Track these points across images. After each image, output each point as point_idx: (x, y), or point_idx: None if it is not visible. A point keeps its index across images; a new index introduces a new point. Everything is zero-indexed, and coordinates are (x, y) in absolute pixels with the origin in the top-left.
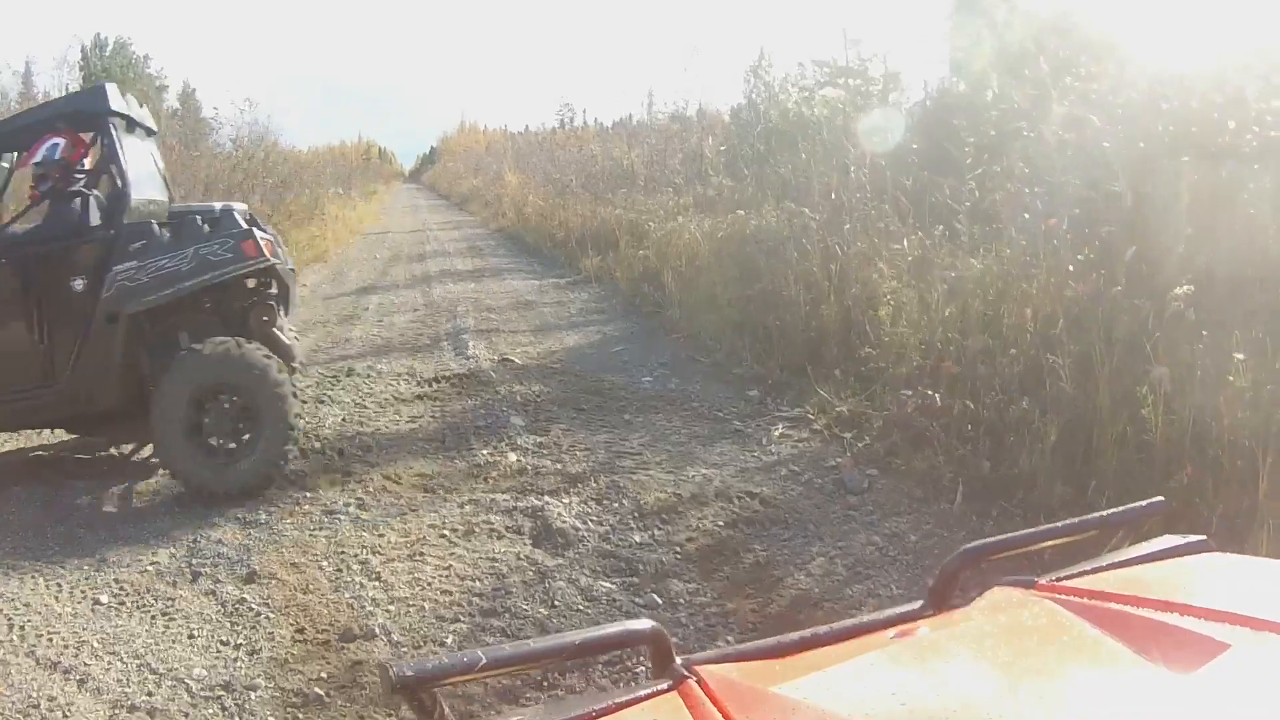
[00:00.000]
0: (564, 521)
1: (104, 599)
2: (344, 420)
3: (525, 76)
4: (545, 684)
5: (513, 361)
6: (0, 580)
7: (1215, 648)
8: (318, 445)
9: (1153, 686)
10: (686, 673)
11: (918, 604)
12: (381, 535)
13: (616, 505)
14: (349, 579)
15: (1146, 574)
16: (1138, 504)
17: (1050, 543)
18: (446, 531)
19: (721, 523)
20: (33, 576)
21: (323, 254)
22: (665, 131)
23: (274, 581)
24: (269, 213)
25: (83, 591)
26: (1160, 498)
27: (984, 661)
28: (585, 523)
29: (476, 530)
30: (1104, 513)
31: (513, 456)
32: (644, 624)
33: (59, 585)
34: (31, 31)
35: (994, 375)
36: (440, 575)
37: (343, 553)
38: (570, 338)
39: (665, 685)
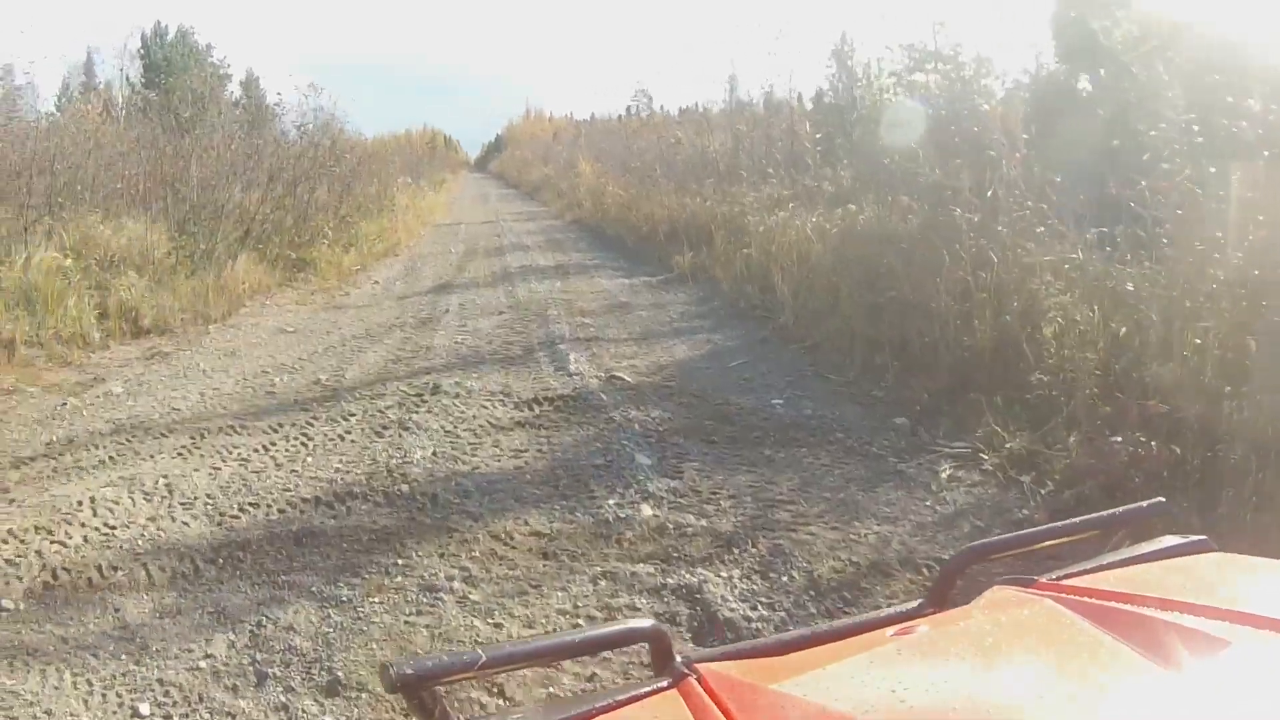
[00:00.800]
0: (729, 607)
1: (144, 709)
2: (434, 455)
3: (592, 62)
4: None
5: (622, 380)
6: (11, 670)
7: (1216, 646)
8: (405, 489)
9: (1153, 685)
10: (687, 671)
11: (917, 603)
12: (499, 625)
13: (786, 579)
14: (466, 696)
15: (1147, 573)
16: (1138, 504)
17: (1050, 543)
18: (582, 621)
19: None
20: (57, 666)
21: (394, 247)
22: (751, 118)
23: (363, 698)
24: (336, 204)
25: (118, 695)
26: (1161, 498)
27: (984, 660)
28: (755, 606)
29: (621, 620)
30: (1104, 512)
31: (647, 510)
32: (644, 622)
33: (89, 683)
34: (92, 20)
35: (1217, 419)
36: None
37: None
38: (678, 348)
39: (666, 683)
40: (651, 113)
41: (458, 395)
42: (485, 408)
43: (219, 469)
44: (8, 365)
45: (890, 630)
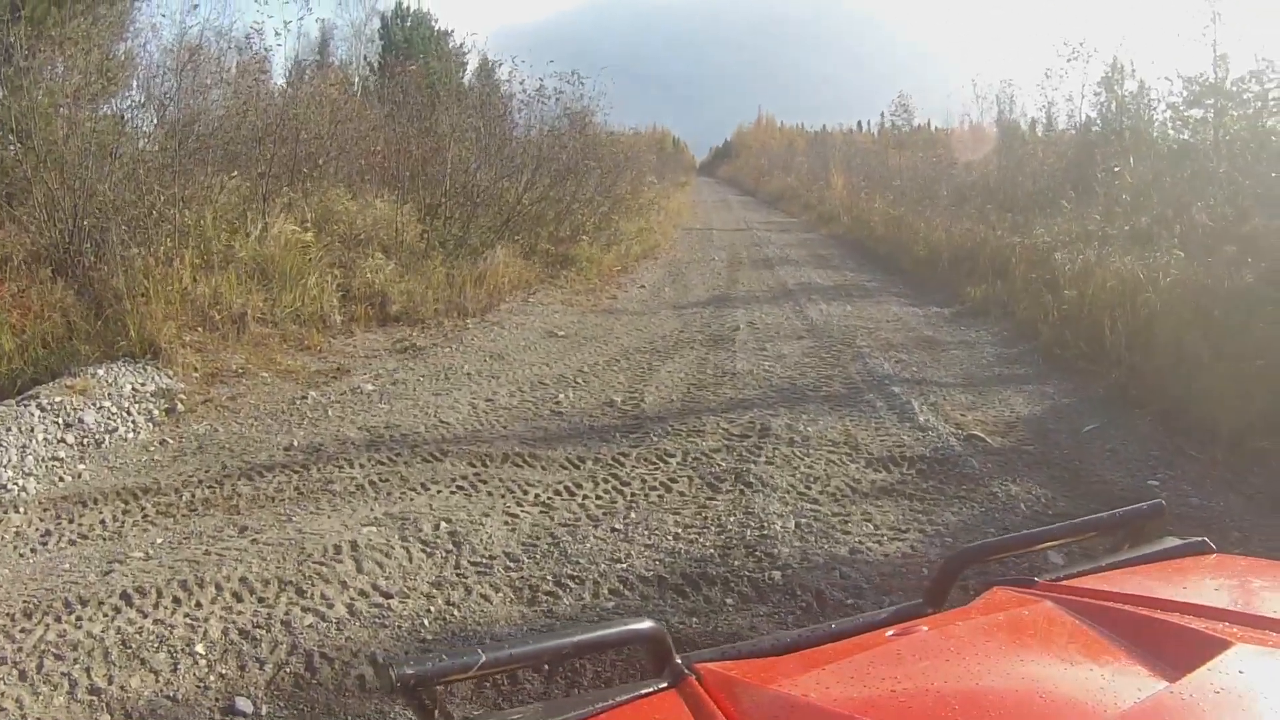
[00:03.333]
0: None
1: None
2: (798, 528)
3: (824, 73)
4: None
5: (982, 440)
6: None
7: (1216, 646)
8: (778, 578)
9: (1153, 686)
10: (687, 671)
11: (917, 603)
12: None
13: None
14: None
15: (1146, 574)
16: (1137, 505)
17: (1049, 544)
18: None
19: None
20: None
21: (652, 249)
22: (1025, 142)
23: None
24: (598, 200)
25: None
26: (1159, 500)
27: (983, 661)
28: None
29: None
30: (1103, 514)
31: None
32: (644, 623)
33: None
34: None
35: None
36: None
37: None
38: (1015, 400)
39: (665, 684)
40: (913, 128)
41: (793, 442)
42: (834, 463)
43: (516, 517)
44: (236, 342)
45: (889, 631)
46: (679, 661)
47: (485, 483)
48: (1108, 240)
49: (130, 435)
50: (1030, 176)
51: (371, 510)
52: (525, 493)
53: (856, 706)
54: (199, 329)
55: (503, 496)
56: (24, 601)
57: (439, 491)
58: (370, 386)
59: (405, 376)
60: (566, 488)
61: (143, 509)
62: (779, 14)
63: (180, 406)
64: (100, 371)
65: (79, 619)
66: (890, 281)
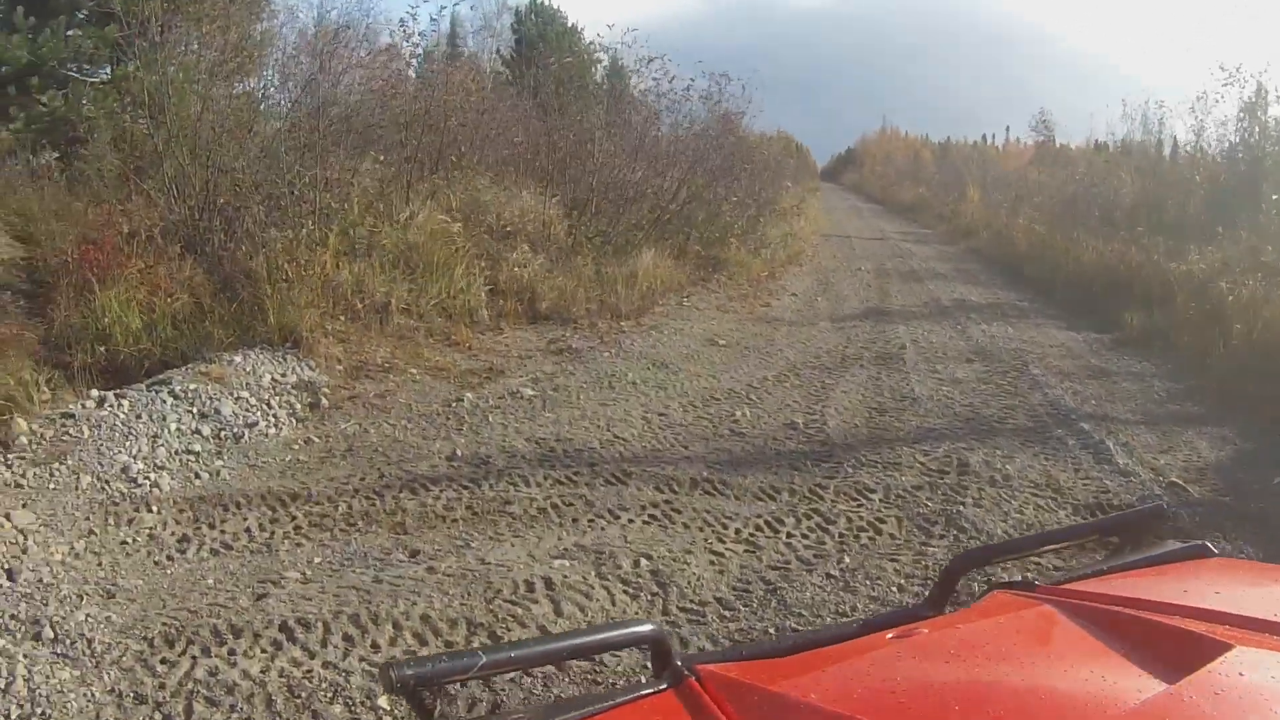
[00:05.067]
0: None
1: None
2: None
3: (946, 83)
4: None
5: (1182, 489)
6: None
7: (1215, 649)
8: None
9: (1153, 688)
10: (687, 672)
11: (918, 606)
12: None
13: None
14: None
15: (1145, 578)
16: (1136, 509)
17: (1050, 547)
18: None
19: None
20: None
21: (797, 255)
22: (1184, 164)
23: None
24: (749, 203)
25: None
26: (1160, 504)
27: (983, 663)
28: None
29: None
30: (1103, 518)
31: None
32: (644, 625)
33: None
34: None
35: None
36: None
37: None
38: (1200, 444)
39: (666, 685)
40: (1055, 144)
41: (994, 482)
42: (1042, 508)
43: (721, 555)
44: (380, 334)
45: (890, 633)
46: (679, 663)
47: (679, 512)
48: (1277, 272)
49: (271, 431)
50: (1181, 200)
51: (559, 540)
52: (724, 526)
53: (857, 708)
54: (341, 318)
55: (701, 530)
56: (164, 625)
57: (630, 521)
58: (530, 391)
59: (566, 382)
60: (767, 523)
61: (293, 518)
62: (901, 22)
63: (324, 402)
64: (237, 359)
65: (232, 654)
66: (1041, 302)
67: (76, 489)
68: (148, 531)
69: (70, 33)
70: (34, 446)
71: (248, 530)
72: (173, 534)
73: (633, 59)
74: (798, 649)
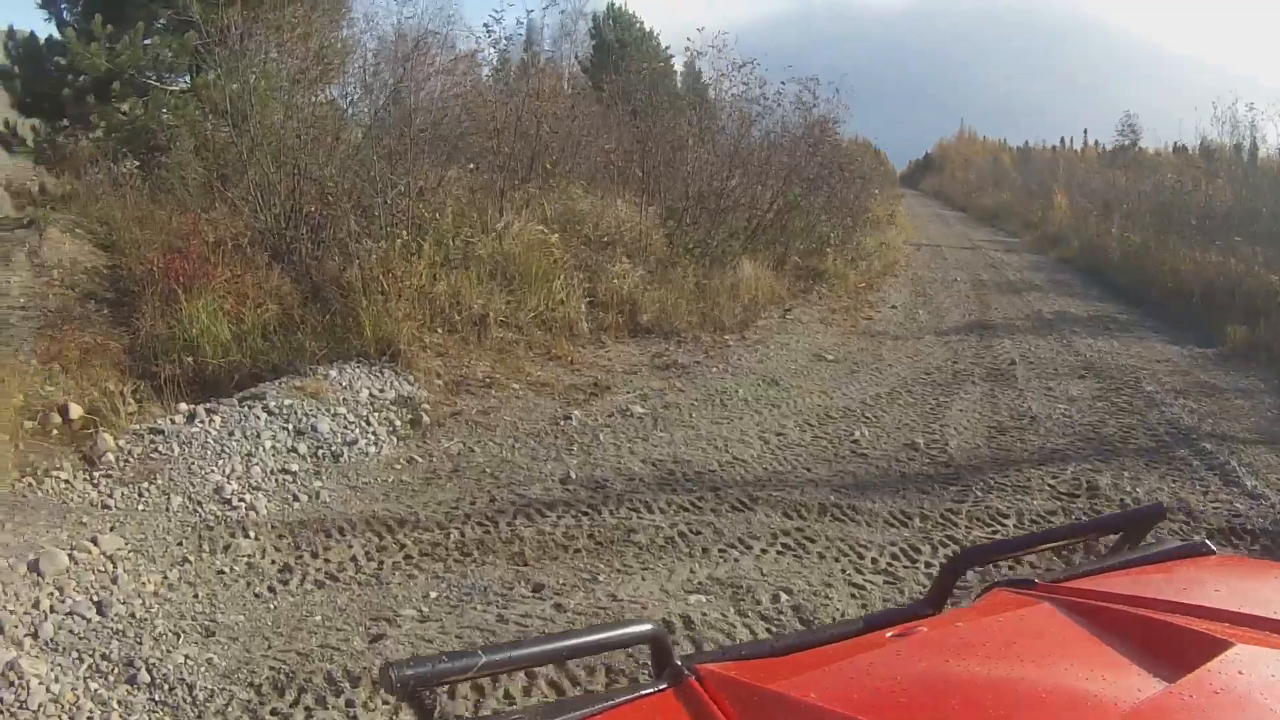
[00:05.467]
0: None
1: None
2: None
3: (1022, 85)
4: None
5: None
6: None
7: (1216, 647)
8: None
9: (1153, 686)
10: (687, 672)
11: (918, 604)
12: None
13: None
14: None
15: (1146, 576)
16: (1136, 508)
17: (1050, 545)
18: None
19: None
20: None
21: (892, 266)
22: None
23: None
24: (844, 212)
25: None
26: (1160, 503)
27: (983, 661)
28: None
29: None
30: (1103, 516)
31: None
32: (644, 625)
33: None
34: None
35: None
36: None
37: None
38: None
39: (666, 684)
40: (1140, 148)
41: (1124, 505)
42: (1175, 532)
43: (862, 588)
44: (478, 347)
45: (890, 632)
46: (679, 662)
47: (812, 541)
48: None
49: (371, 449)
50: (1275, 209)
51: (692, 572)
52: (860, 556)
53: (856, 707)
54: (438, 331)
55: (837, 560)
56: (272, 669)
57: (763, 550)
58: (640, 409)
59: (676, 399)
60: (903, 551)
61: (402, 546)
62: (981, 25)
63: (426, 418)
64: (333, 373)
65: (351, 705)
66: (1140, 314)
67: (167, 511)
68: (246, 560)
69: (148, 41)
70: (121, 464)
71: (354, 559)
72: (273, 563)
73: (723, 63)
74: (797, 648)
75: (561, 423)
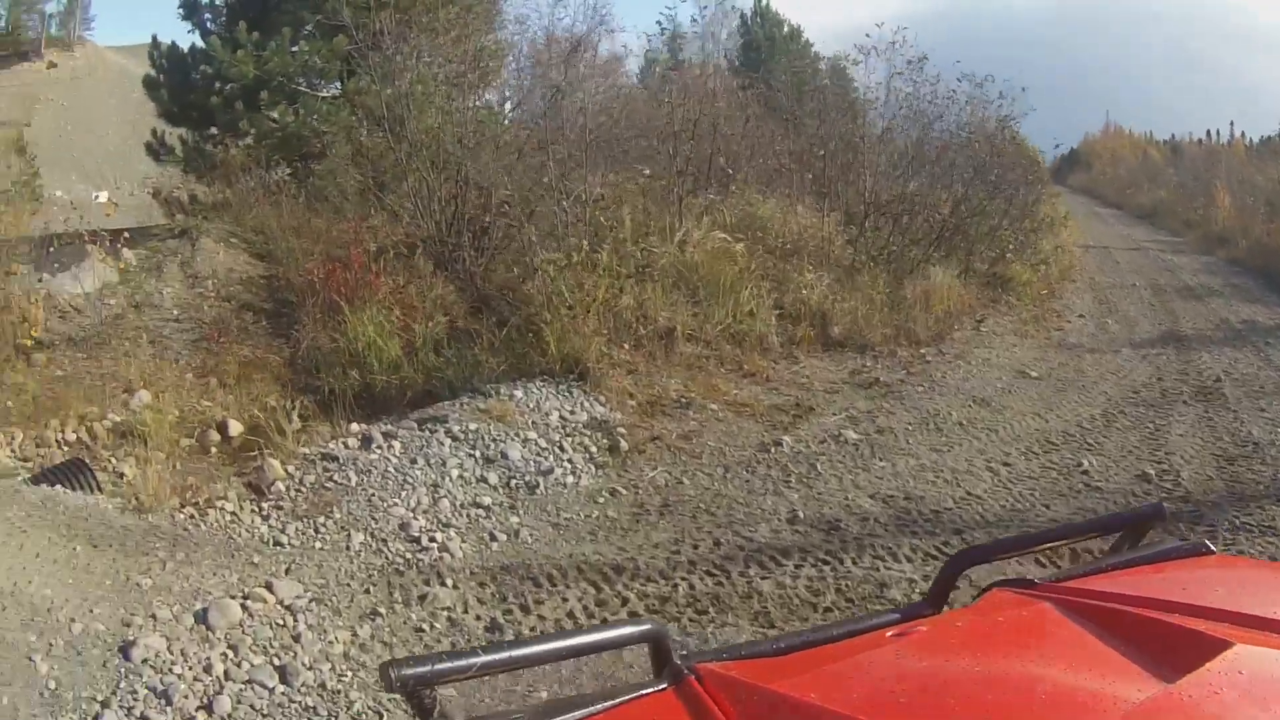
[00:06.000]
0: None
1: None
2: None
3: (1165, 76)
4: None
5: None
6: None
7: (1215, 647)
8: None
9: (1153, 686)
10: (687, 671)
11: (918, 604)
12: None
13: None
14: None
15: (1145, 576)
16: (1136, 508)
17: (1049, 545)
18: None
19: None
20: None
21: (1068, 270)
22: None
23: None
24: (1023, 215)
25: None
26: (1160, 503)
27: (983, 661)
28: None
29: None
30: (1103, 516)
31: None
32: (644, 624)
33: None
34: None
35: None
36: None
37: None
38: None
39: (666, 684)
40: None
41: None
42: None
43: None
44: (666, 362)
45: (890, 631)
46: (679, 662)
47: None
48: None
49: (569, 480)
50: None
51: None
52: None
53: (856, 706)
54: (625, 346)
55: None
56: None
57: None
58: (853, 434)
59: (888, 422)
60: None
61: (623, 599)
62: (1119, 18)
63: (624, 444)
64: (518, 393)
65: None
66: None
67: (348, 550)
68: (446, 614)
69: (295, 48)
70: (293, 494)
71: (570, 615)
72: (478, 618)
73: (898, 60)
74: (797, 648)
75: (772, 449)
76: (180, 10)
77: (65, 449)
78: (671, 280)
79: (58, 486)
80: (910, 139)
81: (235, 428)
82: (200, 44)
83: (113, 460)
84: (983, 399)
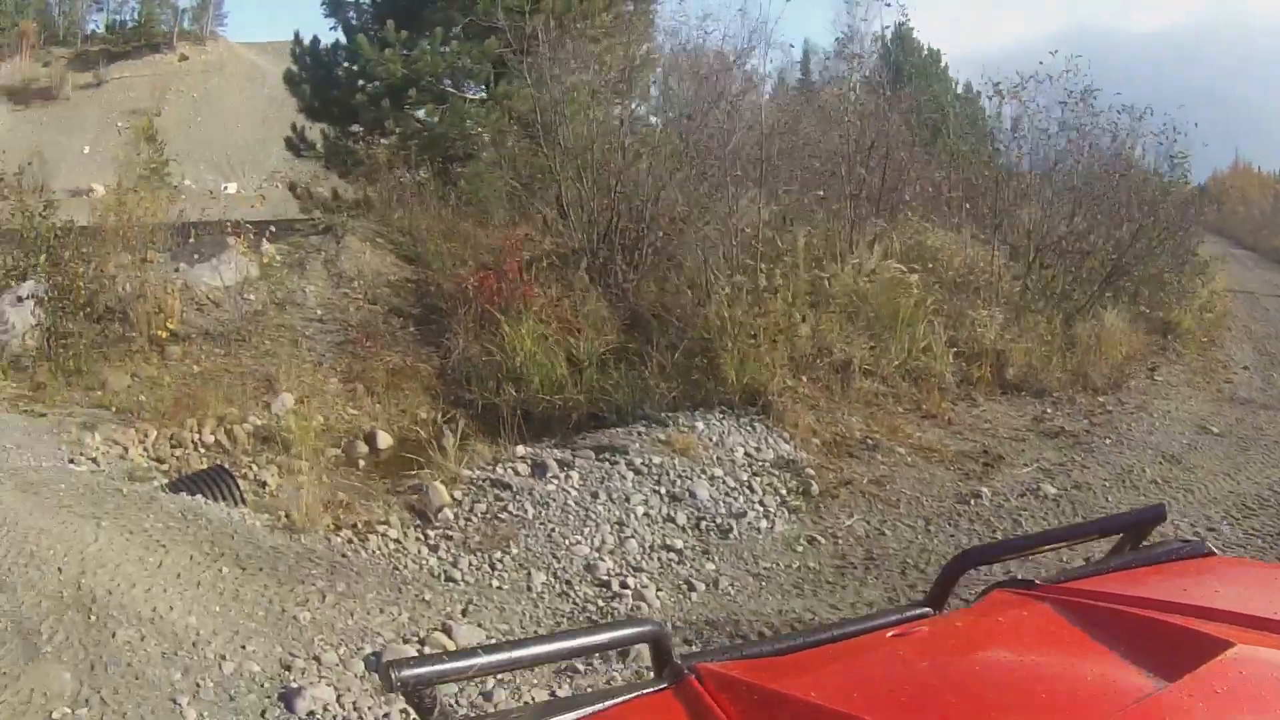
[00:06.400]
0: None
1: None
2: None
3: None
4: None
5: None
6: None
7: (1215, 647)
8: None
9: (1153, 686)
10: (687, 671)
11: (918, 605)
12: None
13: None
14: None
15: (1145, 576)
16: (1137, 509)
17: (1050, 546)
18: None
19: None
20: None
21: (1221, 317)
22: None
23: None
24: (1184, 256)
25: None
26: (1160, 504)
27: (983, 661)
28: None
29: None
30: (1103, 517)
31: None
32: (644, 624)
33: None
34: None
35: None
36: None
37: None
38: None
39: (666, 684)
40: None
41: None
42: None
43: None
44: (843, 397)
45: (890, 632)
46: (679, 661)
47: None
48: None
49: (763, 524)
50: None
51: None
52: None
53: (857, 706)
54: (802, 379)
55: None
56: None
57: None
58: (1051, 489)
59: (1082, 477)
60: None
61: None
62: (1241, 48)
63: (815, 487)
64: (698, 424)
65: None
66: None
67: (529, 591)
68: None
69: (445, 49)
70: (463, 523)
71: None
72: None
73: (1060, 91)
74: (798, 648)
75: (971, 501)
76: (324, 7)
77: (203, 452)
78: (845, 311)
79: (198, 496)
80: (1077, 171)
81: (384, 440)
82: (343, 41)
83: (254, 467)
84: (1172, 455)
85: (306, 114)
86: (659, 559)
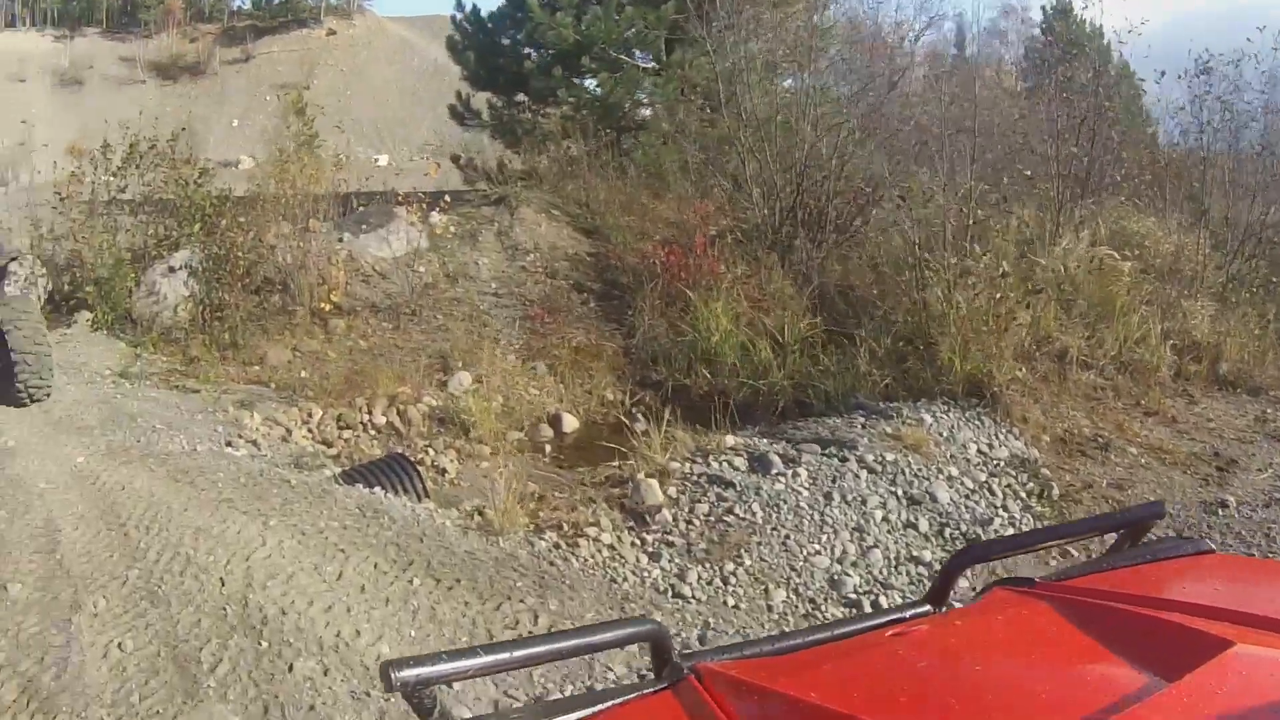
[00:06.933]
0: None
1: None
2: None
3: None
4: None
5: None
6: None
7: (1215, 646)
8: None
9: (1153, 686)
10: (687, 671)
11: (918, 603)
12: None
13: None
14: None
15: (1145, 574)
16: (1136, 506)
17: (1052, 544)
18: None
19: None
20: None
21: None
22: None
23: None
24: None
25: None
26: (1160, 501)
27: (983, 660)
28: None
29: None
30: (1103, 515)
31: None
32: (644, 623)
33: None
34: None
35: None
36: None
37: None
38: None
39: (666, 683)
40: None
41: None
42: None
43: None
44: (1061, 390)
45: (890, 631)
46: (679, 661)
47: None
48: None
49: (1010, 532)
50: None
51: None
52: None
53: (857, 705)
54: (1022, 370)
55: None
56: None
57: None
58: None
59: None
60: None
61: None
62: None
63: (1055, 490)
64: (926, 417)
65: None
66: None
67: (769, 611)
68: None
69: (618, 17)
70: (683, 525)
71: None
72: None
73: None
74: (797, 647)
75: (1219, 511)
76: None
77: (373, 434)
78: (1057, 298)
79: (376, 489)
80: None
81: (570, 423)
82: (504, 8)
83: (430, 451)
84: None
85: (470, 82)
86: (907, 573)
